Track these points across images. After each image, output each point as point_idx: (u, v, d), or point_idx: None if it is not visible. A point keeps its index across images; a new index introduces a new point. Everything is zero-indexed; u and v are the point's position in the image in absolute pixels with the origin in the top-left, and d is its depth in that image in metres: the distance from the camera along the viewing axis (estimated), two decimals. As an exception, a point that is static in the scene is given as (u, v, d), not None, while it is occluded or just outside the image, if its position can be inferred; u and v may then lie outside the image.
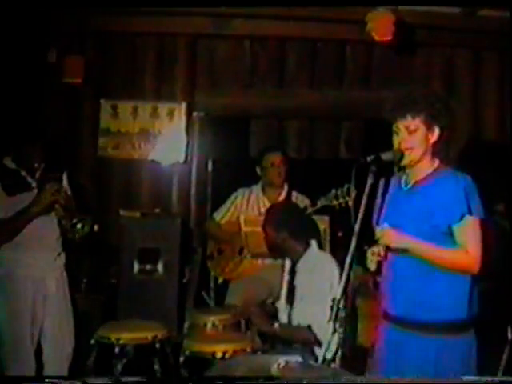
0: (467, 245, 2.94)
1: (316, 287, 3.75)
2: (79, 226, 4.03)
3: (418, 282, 2.99)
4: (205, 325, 4.30)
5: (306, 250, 3.96)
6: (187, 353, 3.87)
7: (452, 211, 2.93)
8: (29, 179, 4.14)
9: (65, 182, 4.31)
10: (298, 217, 4.20)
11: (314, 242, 4.01)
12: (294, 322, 3.86)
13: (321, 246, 4.14)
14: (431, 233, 2.95)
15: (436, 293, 2.97)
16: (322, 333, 3.66)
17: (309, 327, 3.74)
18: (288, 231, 3.96)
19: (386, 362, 3.07)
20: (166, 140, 5.86)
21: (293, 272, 3.98)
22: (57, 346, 4.26)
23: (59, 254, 4.31)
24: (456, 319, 2.98)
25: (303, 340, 3.79)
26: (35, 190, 4.10)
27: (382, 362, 3.11)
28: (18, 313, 4.12)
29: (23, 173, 4.13)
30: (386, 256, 3.01)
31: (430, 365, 2.94)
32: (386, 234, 2.95)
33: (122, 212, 5.52)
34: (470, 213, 2.93)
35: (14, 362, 4.11)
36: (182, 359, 3.88)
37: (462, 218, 2.92)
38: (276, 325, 3.94)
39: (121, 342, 4.08)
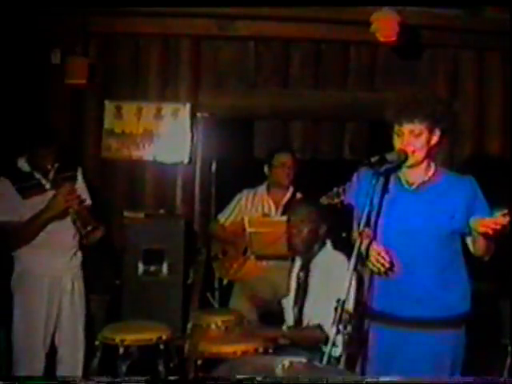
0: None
1: (328, 286, 3.75)
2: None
3: (413, 278, 3.02)
4: (208, 325, 4.29)
5: (320, 248, 3.95)
6: (206, 354, 3.80)
7: (470, 212, 2.98)
8: (43, 181, 4.19)
9: (79, 179, 4.36)
10: (332, 213, 4.20)
11: (329, 242, 4.01)
12: (305, 321, 3.84)
13: (335, 247, 4.13)
14: (431, 229, 2.97)
15: (432, 289, 3.00)
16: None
17: (319, 326, 3.73)
18: (327, 225, 3.96)
19: (382, 361, 3.09)
20: (170, 141, 5.86)
21: (307, 270, 3.97)
22: (71, 346, 4.29)
23: (75, 253, 4.36)
24: (452, 315, 3.03)
25: (314, 340, 3.76)
26: (49, 192, 4.14)
27: (378, 362, 3.12)
28: (32, 310, 4.17)
29: (37, 175, 4.19)
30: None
31: (425, 360, 2.99)
32: None
33: (126, 213, 5.53)
34: (484, 213, 2.98)
35: (24, 361, 4.14)
36: (200, 362, 3.80)
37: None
38: (284, 327, 3.92)
39: (125, 343, 4.08)
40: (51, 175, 4.19)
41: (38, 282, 4.18)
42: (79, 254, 4.39)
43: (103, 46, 5.91)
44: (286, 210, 4.81)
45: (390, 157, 2.98)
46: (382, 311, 3.14)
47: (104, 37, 5.89)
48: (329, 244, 4.01)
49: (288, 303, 4.08)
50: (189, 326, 4.43)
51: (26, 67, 5.45)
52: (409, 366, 2.99)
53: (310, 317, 3.81)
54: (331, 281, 3.73)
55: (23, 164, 4.19)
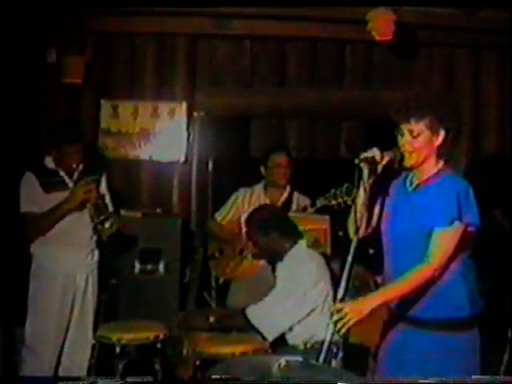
0: (437, 253, 2.90)
1: (295, 282, 3.84)
2: (107, 225, 4.11)
3: None
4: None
5: (292, 246, 3.99)
6: (205, 355, 3.79)
7: (440, 215, 2.90)
8: (66, 179, 4.25)
9: (103, 184, 4.40)
10: (283, 216, 4.25)
11: (303, 241, 4.05)
12: (268, 312, 3.87)
13: (308, 246, 4.17)
14: (419, 233, 2.95)
15: (443, 290, 2.97)
16: (292, 324, 3.81)
17: (242, 312, 3.85)
18: (278, 231, 4.01)
19: (391, 362, 3.08)
20: (166, 140, 5.85)
21: (274, 268, 4.07)
22: (78, 345, 4.30)
23: (92, 252, 4.38)
24: (463, 316, 2.98)
25: (238, 326, 3.89)
26: None
27: (387, 362, 3.11)
28: (45, 307, 4.18)
29: (62, 173, 4.28)
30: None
31: (436, 363, 2.95)
32: (352, 312, 2.80)
33: (122, 212, 5.52)
34: (460, 219, 2.89)
35: (34, 359, 4.14)
36: (198, 362, 3.78)
37: (450, 223, 2.88)
38: (211, 319, 4.00)
39: (122, 342, 4.08)
40: (75, 175, 4.26)
41: (52, 278, 4.21)
42: (96, 252, 4.43)
43: (99, 45, 5.90)
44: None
45: (369, 154, 2.97)
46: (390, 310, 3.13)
47: (100, 36, 5.87)
48: (303, 243, 4.06)
49: None
50: (173, 324, 4.42)
51: (21, 66, 5.44)
52: (418, 368, 2.97)
53: (273, 310, 3.86)
54: (297, 276, 3.85)
55: (50, 162, 4.26)
